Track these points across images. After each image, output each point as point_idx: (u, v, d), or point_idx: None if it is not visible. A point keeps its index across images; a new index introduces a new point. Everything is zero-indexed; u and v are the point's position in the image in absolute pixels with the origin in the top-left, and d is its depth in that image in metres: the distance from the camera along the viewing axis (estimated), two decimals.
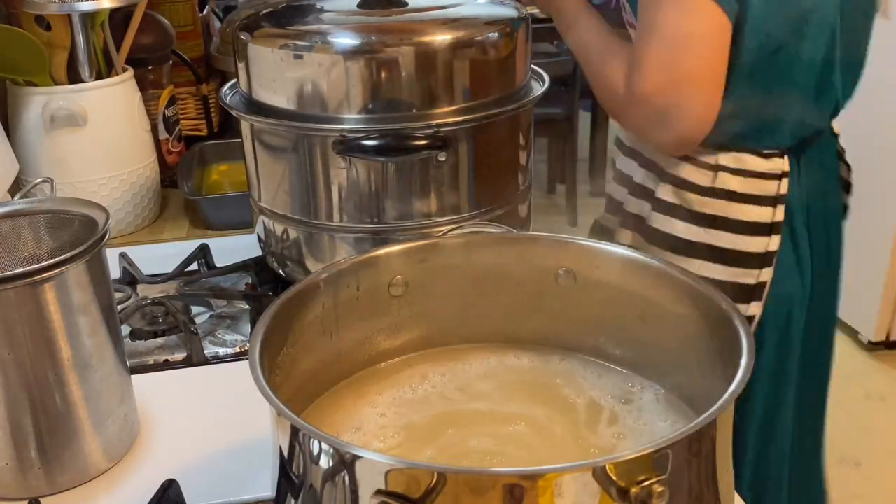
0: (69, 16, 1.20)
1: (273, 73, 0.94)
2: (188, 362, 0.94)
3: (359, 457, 0.49)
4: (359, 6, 0.97)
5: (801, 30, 0.99)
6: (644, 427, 0.65)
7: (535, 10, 1.35)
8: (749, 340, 0.56)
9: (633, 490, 0.47)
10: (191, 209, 1.34)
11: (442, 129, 0.91)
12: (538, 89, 1.01)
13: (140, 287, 1.08)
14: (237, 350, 0.96)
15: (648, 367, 0.70)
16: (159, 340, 0.98)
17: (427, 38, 0.91)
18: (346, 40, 0.91)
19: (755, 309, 1.08)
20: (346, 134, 0.91)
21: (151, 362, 0.95)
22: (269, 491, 0.58)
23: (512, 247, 0.74)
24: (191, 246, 1.14)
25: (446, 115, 0.92)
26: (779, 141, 1.06)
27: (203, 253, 1.13)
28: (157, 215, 1.35)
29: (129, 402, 0.80)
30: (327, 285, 0.68)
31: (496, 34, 0.94)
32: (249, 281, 1.09)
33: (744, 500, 0.75)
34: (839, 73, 1.06)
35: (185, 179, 1.32)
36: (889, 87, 2.30)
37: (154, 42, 1.40)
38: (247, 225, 1.14)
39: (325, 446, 0.51)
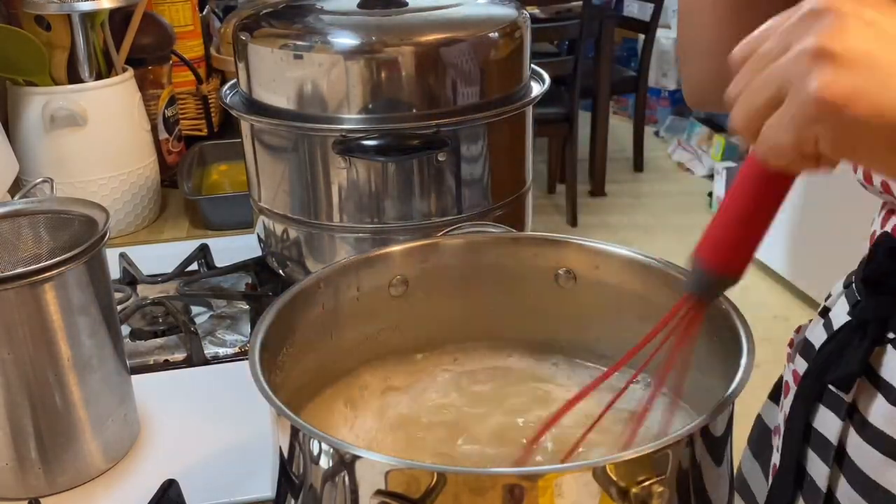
0: (69, 16, 1.20)
1: (273, 73, 0.94)
2: (188, 362, 0.94)
3: (359, 457, 0.49)
4: (359, 6, 0.97)
5: None
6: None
7: (536, 10, 1.25)
8: (749, 340, 0.56)
9: (633, 490, 0.47)
10: (191, 209, 1.34)
11: (442, 129, 0.91)
12: (538, 89, 1.00)
13: (140, 287, 1.08)
14: (237, 350, 0.96)
15: (648, 366, 0.70)
16: (159, 340, 0.97)
17: (427, 38, 0.91)
18: (346, 40, 0.91)
19: None
20: (346, 134, 0.91)
21: (151, 362, 0.95)
22: (269, 491, 0.58)
23: (512, 247, 0.73)
24: (191, 246, 1.14)
25: (446, 115, 0.92)
26: None
27: (203, 253, 1.13)
28: (157, 215, 1.34)
29: (129, 403, 0.80)
30: (327, 285, 0.68)
31: (496, 34, 0.94)
32: (249, 281, 1.09)
33: None
34: None
35: (185, 179, 1.32)
36: None
37: (154, 42, 1.40)
38: (247, 225, 1.14)
39: (325, 446, 0.51)
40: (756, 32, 0.43)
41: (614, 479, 0.47)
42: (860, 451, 0.64)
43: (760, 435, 0.81)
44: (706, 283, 0.48)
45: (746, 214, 0.46)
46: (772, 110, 0.40)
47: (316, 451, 0.51)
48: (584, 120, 3.44)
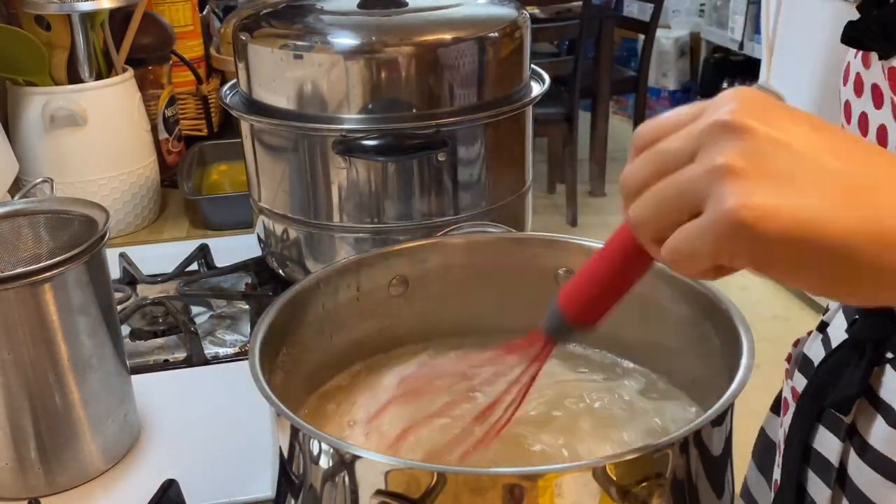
0: (69, 16, 1.20)
1: (273, 73, 0.94)
2: (188, 362, 0.94)
3: (359, 457, 0.49)
4: (359, 6, 0.97)
5: None
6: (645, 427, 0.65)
7: (536, 10, 1.25)
8: (749, 340, 0.56)
9: (633, 490, 0.47)
10: (191, 209, 1.34)
11: (442, 129, 0.91)
12: (538, 89, 1.00)
13: (140, 287, 1.08)
14: (237, 350, 0.96)
15: (648, 366, 0.70)
16: (159, 340, 0.97)
17: (427, 38, 0.91)
18: (346, 40, 0.91)
19: None
20: (346, 134, 0.91)
21: (151, 362, 0.95)
22: (269, 491, 0.58)
23: (512, 247, 0.73)
24: (191, 246, 1.14)
25: (446, 115, 0.92)
26: None
27: (203, 253, 1.13)
28: (157, 215, 1.34)
29: (129, 403, 0.80)
30: (327, 285, 0.68)
31: (496, 34, 0.94)
32: (249, 281, 1.09)
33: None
34: None
35: (185, 179, 1.32)
36: None
37: (154, 42, 1.40)
38: (247, 225, 1.14)
39: (324, 446, 0.51)
40: (662, 118, 0.43)
41: (614, 479, 0.47)
42: (861, 474, 0.62)
43: (765, 448, 0.79)
44: (561, 327, 0.50)
45: (608, 281, 0.48)
46: (684, 219, 0.40)
47: (316, 451, 0.51)
48: (584, 120, 3.44)
